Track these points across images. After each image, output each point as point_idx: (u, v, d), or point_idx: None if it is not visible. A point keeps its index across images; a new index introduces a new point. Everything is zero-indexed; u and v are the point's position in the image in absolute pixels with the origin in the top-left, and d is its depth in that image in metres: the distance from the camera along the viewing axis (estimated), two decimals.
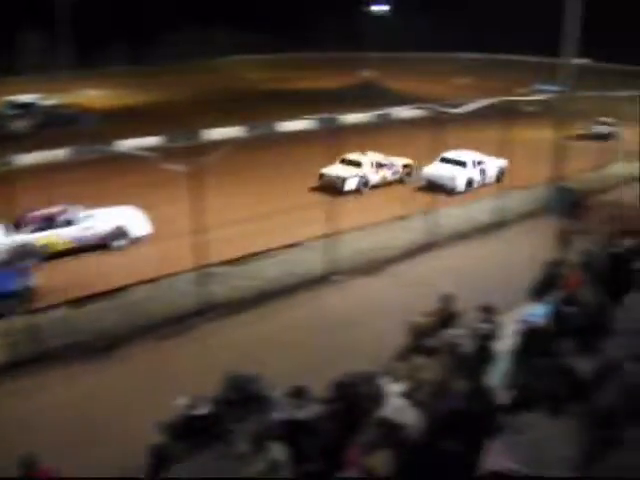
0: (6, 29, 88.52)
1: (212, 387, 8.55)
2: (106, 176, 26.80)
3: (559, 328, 8.49)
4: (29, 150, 28.15)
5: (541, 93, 78.02)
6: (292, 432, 7.88)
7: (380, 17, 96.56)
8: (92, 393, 12.11)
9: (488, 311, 10.79)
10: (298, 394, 8.20)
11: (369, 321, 14.33)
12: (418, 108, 28.32)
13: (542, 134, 34.08)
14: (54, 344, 13.61)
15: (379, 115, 30.49)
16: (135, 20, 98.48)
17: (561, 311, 10.03)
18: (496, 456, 5.44)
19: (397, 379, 10.56)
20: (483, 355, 9.28)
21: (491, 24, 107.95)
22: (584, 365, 6.89)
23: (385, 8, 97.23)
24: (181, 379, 11.84)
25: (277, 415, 8.12)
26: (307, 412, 8.07)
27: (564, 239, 18.42)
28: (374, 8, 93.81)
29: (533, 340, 8.38)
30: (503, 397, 7.63)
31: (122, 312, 14.95)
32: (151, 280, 16.44)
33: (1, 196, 15.20)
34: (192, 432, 7.97)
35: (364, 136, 30.48)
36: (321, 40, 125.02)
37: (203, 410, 8.13)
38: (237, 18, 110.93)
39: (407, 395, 9.98)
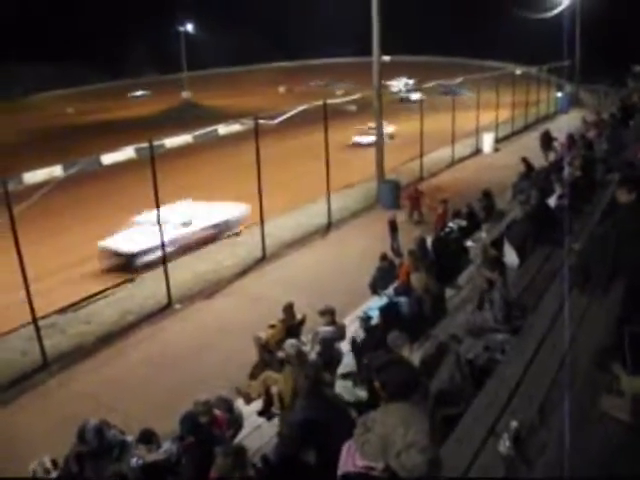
0: None
1: (69, 441, 8.11)
2: None
3: (390, 319, 8.71)
4: None
5: None
6: (151, 476, 7.67)
7: (189, 37, 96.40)
8: None
9: (329, 314, 10.98)
10: (147, 437, 7.96)
11: (216, 344, 14.17)
12: (238, 123, 28.28)
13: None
14: None
15: (200, 135, 30.09)
16: None
17: (392, 302, 10.34)
18: (348, 457, 5.47)
19: (251, 397, 10.54)
20: (329, 358, 9.38)
21: (296, 33, 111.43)
22: (416, 352, 7.14)
23: (190, 28, 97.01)
24: (33, 441, 11.12)
25: (134, 461, 7.85)
26: (163, 453, 7.86)
27: (392, 230, 19.09)
28: (181, 29, 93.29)
29: (369, 335, 8.57)
30: (352, 397, 7.76)
31: None
32: None
33: None
34: None
35: (186, 158, 30.42)
36: (136, 66, 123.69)
37: (54, 473, 7.77)
38: (45, 52, 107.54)
39: (262, 413, 9.99)
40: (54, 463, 7.88)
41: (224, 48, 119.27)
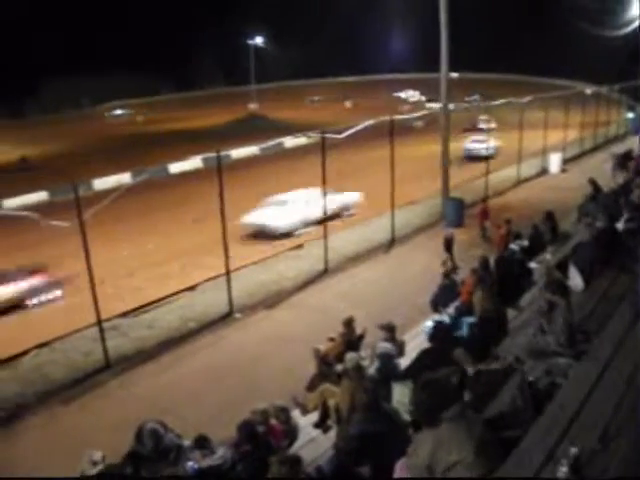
0: None
1: (125, 442, 8.22)
2: None
3: (453, 338, 8.65)
4: None
5: None
6: None
7: (259, 50, 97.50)
8: None
9: (389, 329, 10.95)
10: (201, 443, 8.06)
11: (275, 354, 14.24)
12: (304, 136, 28.47)
13: (429, 148, 35.38)
14: None
15: (266, 147, 30.42)
16: (9, 74, 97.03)
17: (453, 320, 10.27)
18: (401, 475, 5.48)
19: (308, 409, 10.58)
20: (388, 374, 9.35)
21: (364, 49, 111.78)
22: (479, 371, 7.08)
23: (261, 41, 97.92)
24: (92, 439, 11.34)
25: (190, 465, 7.96)
26: (218, 458, 7.96)
27: (447, 248, 18.96)
28: (250, 42, 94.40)
29: (429, 353, 8.53)
30: (407, 415, 7.72)
31: (22, 380, 14.33)
32: (50, 342, 15.84)
33: None
34: None
35: (252, 169, 30.77)
36: (205, 78, 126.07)
37: (98, 467, 7.88)
38: (115, 64, 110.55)
39: (318, 425, 10.02)
40: (103, 458, 7.98)
41: (291, 62, 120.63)
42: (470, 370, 7.10)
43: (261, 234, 24.34)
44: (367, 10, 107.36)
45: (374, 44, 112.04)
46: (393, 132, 22.24)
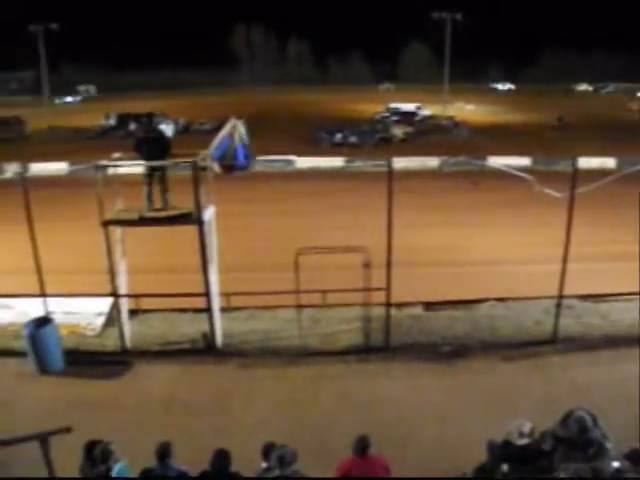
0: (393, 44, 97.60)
1: (547, 419, 8.27)
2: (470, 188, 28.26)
3: None
4: (405, 155, 30.08)
5: None
6: None
7: None
8: (422, 393, 12.69)
9: None
10: (636, 458, 7.85)
11: None
12: None
13: None
14: (403, 339, 14.73)
15: None
16: (516, 41, 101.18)
17: None
18: None
19: None
20: None
21: None
22: None
23: None
24: (516, 403, 11.85)
25: (609, 468, 7.81)
26: None
27: None
28: None
29: None
30: None
31: (472, 323, 15.63)
32: (506, 299, 17.00)
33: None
34: (517, 459, 8.05)
35: None
36: None
37: (525, 440, 8.14)
38: (620, 44, 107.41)
39: None
40: (531, 431, 8.15)
41: None
42: None
43: None
44: None
45: None
46: None
